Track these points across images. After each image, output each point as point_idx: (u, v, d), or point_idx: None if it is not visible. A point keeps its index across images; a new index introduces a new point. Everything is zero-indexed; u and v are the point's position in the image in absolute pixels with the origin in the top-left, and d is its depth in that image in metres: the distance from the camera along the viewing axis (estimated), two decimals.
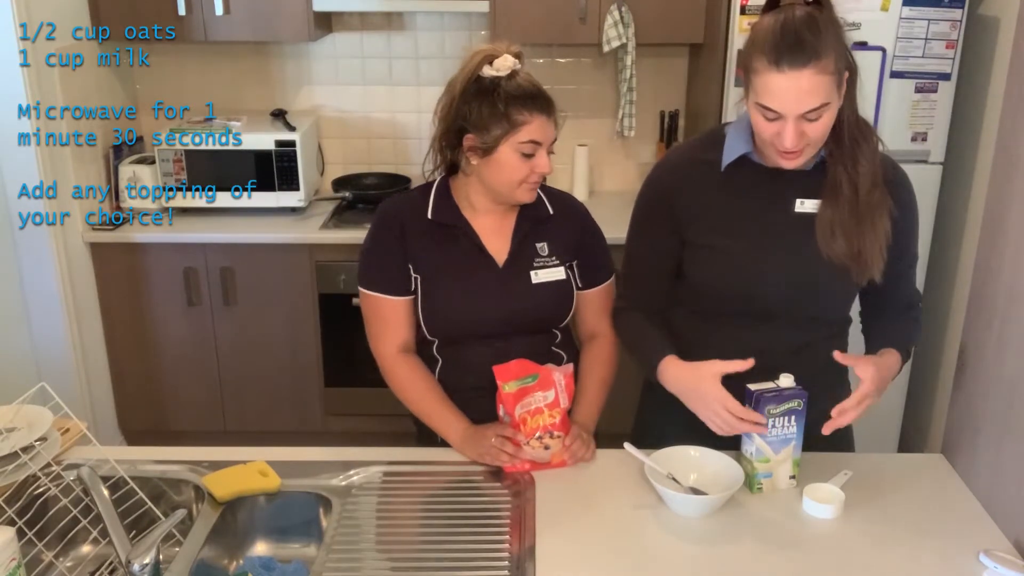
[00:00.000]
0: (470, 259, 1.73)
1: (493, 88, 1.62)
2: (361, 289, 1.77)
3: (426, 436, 1.81)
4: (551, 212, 1.79)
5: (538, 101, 1.64)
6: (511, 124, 1.61)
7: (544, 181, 1.80)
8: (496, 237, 1.75)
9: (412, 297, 1.74)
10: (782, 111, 1.42)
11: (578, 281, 1.81)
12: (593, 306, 1.83)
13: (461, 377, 1.76)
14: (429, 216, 1.74)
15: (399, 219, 1.75)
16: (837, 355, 1.54)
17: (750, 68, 1.45)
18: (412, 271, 1.73)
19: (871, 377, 1.48)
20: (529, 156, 1.64)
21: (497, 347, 1.71)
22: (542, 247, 1.77)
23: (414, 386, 1.75)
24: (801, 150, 1.47)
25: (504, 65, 1.63)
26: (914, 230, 1.65)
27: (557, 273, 1.76)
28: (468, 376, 1.73)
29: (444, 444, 1.75)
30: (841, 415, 1.49)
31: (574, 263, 1.80)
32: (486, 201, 1.74)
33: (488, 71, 1.63)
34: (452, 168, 1.77)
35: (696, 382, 1.54)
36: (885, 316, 1.70)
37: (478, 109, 1.63)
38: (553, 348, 1.81)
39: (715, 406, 1.51)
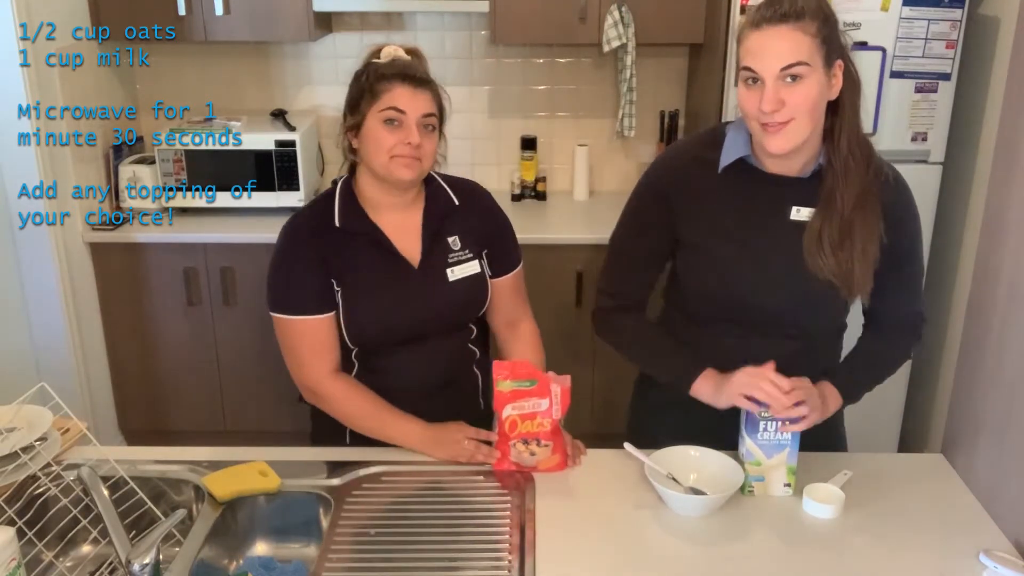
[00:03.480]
0: (385, 264, 1.71)
1: (366, 72, 1.66)
2: (282, 316, 1.69)
3: (324, 436, 1.79)
4: (457, 203, 1.78)
5: (401, 75, 1.63)
6: (372, 95, 1.63)
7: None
8: (406, 236, 1.73)
9: (335, 312, 1.70)
10: (759, 69, 1.42)
11: (489, 270, 1.80)
12: (508, 293, 1.83)
13: (380, 382, 1.74)
14: (337, 224, 1.71)
15: (311, 232, 1.71)
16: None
17: (739, 42, 1.47)
18: (335, 283, 1.69)
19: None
20: (394, 125, 1.63)
21: (415, 350, 1.72)
22: (453, 241, 1.76)
23: (357, 402, 1.71)
24: (783, 125, 1.44)
25: (386, 54, 1.66)
26: (913, 243, 1.62)
27: (472, 267, 1.76)
28: (387, 379, 1.73)
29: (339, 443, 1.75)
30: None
31: (484, 252, 1.79)
32: (383, 193, 1.71)
33: (375, 60, 1.67)
34: (352, 169, 1.77)
35: (726, 379, 1.54)
36: (875, 337, 1.68)
37: (351, 92, 1.67)
38: (469, 345, 1.82)
39: (755, 380, 1.49)
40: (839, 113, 1.50)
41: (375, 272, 1.70)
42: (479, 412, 1.84)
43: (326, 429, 1.78)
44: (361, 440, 1.73)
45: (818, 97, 1.45)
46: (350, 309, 1.70)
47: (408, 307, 1.71)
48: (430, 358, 1.75)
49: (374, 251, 1.71)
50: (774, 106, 1.42)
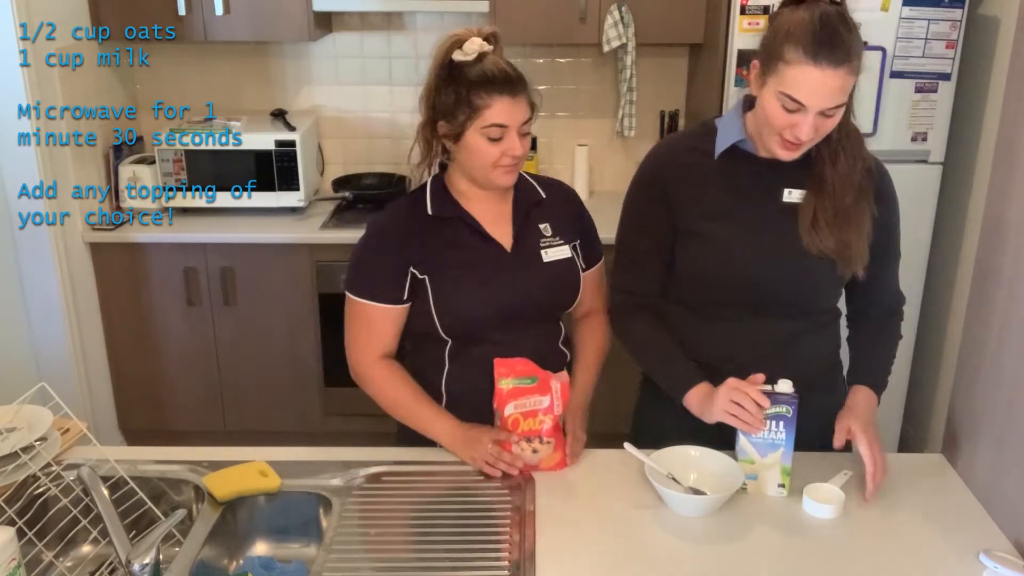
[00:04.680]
0: (477, 249, 1.71)
1: (458, 74, 1.61)
2: (350, 296, 1.72)
3: (407, 438, 1.78)
4: (544, 196, 1.79)
5: (499, 83, 1.60)
6: (472, 109, 1.59)
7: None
8: (497, 224, 1.73)
9: (406, 306, 1.71)
10: (808, 104, 1.44)
11: (583, 263, 1.80)
12: (592, 285, 1.84)
13: (472, 379, 1.72)
14: (429, 212, 1.71)
15: (399, 224, 1.72)
16: (836, 445, 1.58)
17: (780, 57, 1.44)
18: (417, 274, 1.69)
19: (867, 442, 1.55)
20: (496, 140, 1.61)
21: (507, 341, 1.69)
22: (545, 227, 1.76)
23: (395, 387, 1.72)
24: (803, 143, 1.50)
25: (471, 48, 1.61)
26: (894, 229, 1.68)
27: (564, 251, 1.75)
28: (479, 378, 1.69)
29: (429, 443, 1.74)
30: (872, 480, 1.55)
31: (576, 244, 1.79)
32: (474, 188, 1.72)
33: (458, 55, 1.61)
34: (443, 166, 1.75)
35: (713, 394, 1.56)
36: (868, 324, 1.74)
37: (444, 96, 1.62)
38: (560, 346, 1.81)
39: (728, 392, 1.52)
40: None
41: (466, 256, 1.70)
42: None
43: (408, 430, 1.77)
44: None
45: (840, 117, 1.50)
46: (442, 294, 1.68)
47: (502, 288, 1.69)
48: (522, 351, 1.69)
49: (466, 235, 1.70)
50: (811, 135, 1.47)
